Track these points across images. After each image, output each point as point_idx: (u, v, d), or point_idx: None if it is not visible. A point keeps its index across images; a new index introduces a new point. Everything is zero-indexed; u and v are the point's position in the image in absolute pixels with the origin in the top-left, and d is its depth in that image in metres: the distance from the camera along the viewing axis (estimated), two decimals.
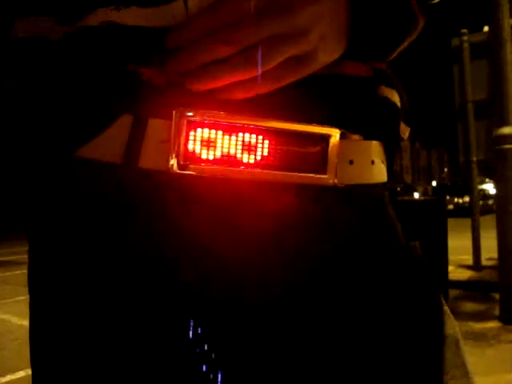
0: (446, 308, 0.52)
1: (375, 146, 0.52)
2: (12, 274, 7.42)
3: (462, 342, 0.52)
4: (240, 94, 0.43)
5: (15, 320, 4.63)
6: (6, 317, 4.80)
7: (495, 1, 4.05)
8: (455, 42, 5.75)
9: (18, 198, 0.52)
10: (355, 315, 0.48)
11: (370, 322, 0.48)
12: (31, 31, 0.47)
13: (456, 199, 19.76)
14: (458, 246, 6.59)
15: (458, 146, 5.92)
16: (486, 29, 5.47)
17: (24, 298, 5.43)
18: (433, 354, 0.49)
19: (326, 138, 0.47)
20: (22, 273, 7.31)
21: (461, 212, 16.45)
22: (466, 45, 5.61)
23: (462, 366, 0.50)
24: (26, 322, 4.42)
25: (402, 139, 0.57)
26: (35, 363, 0.49)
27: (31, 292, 0.50)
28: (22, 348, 3.66)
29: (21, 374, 3.22)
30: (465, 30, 5.68)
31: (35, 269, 0.50)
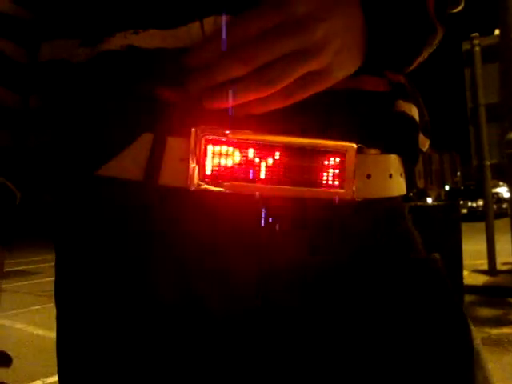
0: (468, 321, 0.52)
1: (393, 160, 0.52)
2: (27, 284, 7.48)
3: (484, 355, 0.51)
4: (256, 110, 0.44)
5: (30, 329, 4.66)
6: (21, 326, 4.83)
7: (505, 4, 4.03)
8: (466, 45, 5.74)
9: (44, 213, 0.53)
10: (377, 330, 0.48)
11: (392, 337, 0.48)
12: (55, 54, 0.49)
13: (469, 203, 19.57)
14: (473, 250, 6.52)
15: (470, 150, 5.88)
16: (497, 32, 5.45)
17: (38, 307, 5.47)
18: (462, 372, 0.49)
19: (343, 153, 0.47)
20: (36, 282, 7.37)
21: (474, 216, 16.29)
22: (477, 48, 5.59)
23: (485, 380, 0.50)
24: (41, 332, 4.46)
25: (422, 151, 0.57)
26: (63, 375, 0.50)
27: (58, 305, 0.52)
28: (38, 357, 3.69)
29: (37, 383, 3.25)
30: (476, 34, 5.66)
31: (62, 283, 0.51)
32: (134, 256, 0.46)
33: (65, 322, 0.51)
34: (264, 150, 0.45)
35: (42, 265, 8.90)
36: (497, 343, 3.51)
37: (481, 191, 6.52)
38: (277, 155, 0.45)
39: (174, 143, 0.44)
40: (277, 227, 0.46)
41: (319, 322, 0.47)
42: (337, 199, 0.47)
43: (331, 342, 0.47)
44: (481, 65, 5.58)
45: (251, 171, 0.45)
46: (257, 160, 0.45)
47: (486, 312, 4.42)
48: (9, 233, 0.53)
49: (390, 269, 0.50)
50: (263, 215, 0.46)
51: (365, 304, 0.48)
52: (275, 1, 0.43)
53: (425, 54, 0.54)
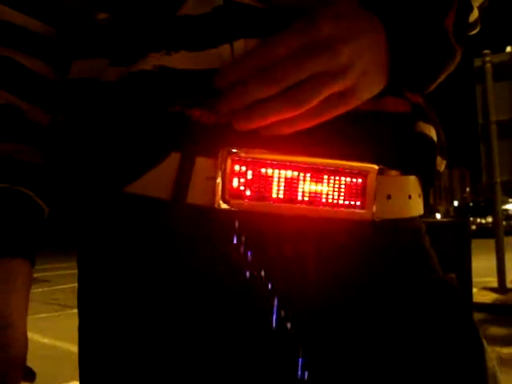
0: (483, 341, 0.52)
1: (412, 181, 0.53)
2: (34, 292, 7.48)
3: (498, 375, 0.52)
4: (283, 130, 0.45)
5: (37, 337, 4.65)
6: (27, 334, 4.82)
7: None
8: (477, 62, 5.73)
9: (71, 228, 0.54)
10: (394, 347, 0.49)
11: (408, 355, 0.49)
12: (85, 72, 0.50)
13: (479, 220, 19.46)
14: (482, 267, 6.45)
15: (480, 166, 5.86)
16: (508, 49, 5.46)
17: (45, 315, 5.46)
18: None
19: (364, 174, 0.48)
20: (42, 291, 7.37)
21: (484, 233, 16.13)
22: (488, 65, 5.58)
23: None
24: (47, 340, 4.45)
25: (439, 172, 0.58)
26: None
27: (81, 316, 0.53)
28: (44, 366, 3.68)
29: None
30: (487, 51, 5.66)
31: (86, 294, 0.53)
32: (158, 273, 0.47)
33: (88, 333, 0.52)
34: (288, 170, 0.46)
35: (49, 273, 8.90)
36: (507, 363, 3.46)
37: (490, 207, 6.48)
38: (301, 175, 0.46)
39: (201, 163, 0.46)
40: (300, 247, 0.47)
41: (338, 338, 0.48)
42: (358, 219, 0.48)
43: (350, 357, 0.48)
44: (492, 82, 5.58)
45: (275, 191, 0.46)
46: (281, 180, 0.46)
47: (495, 330, 4.36)
48: (36, 247, 0.54)
49: (409, 288, 0.51)
50: (288, 234, 0.47)
51: (381, 322, 0.49)
52: (302, 24, 0.44)
53: (443, 75, 0.55)
